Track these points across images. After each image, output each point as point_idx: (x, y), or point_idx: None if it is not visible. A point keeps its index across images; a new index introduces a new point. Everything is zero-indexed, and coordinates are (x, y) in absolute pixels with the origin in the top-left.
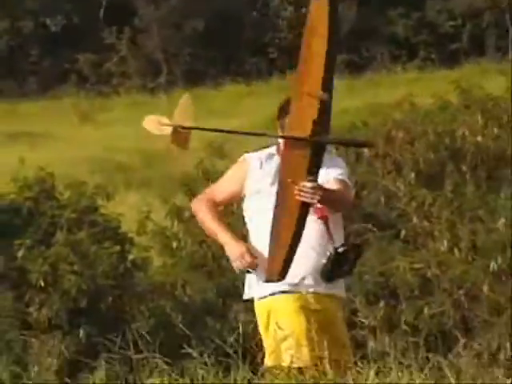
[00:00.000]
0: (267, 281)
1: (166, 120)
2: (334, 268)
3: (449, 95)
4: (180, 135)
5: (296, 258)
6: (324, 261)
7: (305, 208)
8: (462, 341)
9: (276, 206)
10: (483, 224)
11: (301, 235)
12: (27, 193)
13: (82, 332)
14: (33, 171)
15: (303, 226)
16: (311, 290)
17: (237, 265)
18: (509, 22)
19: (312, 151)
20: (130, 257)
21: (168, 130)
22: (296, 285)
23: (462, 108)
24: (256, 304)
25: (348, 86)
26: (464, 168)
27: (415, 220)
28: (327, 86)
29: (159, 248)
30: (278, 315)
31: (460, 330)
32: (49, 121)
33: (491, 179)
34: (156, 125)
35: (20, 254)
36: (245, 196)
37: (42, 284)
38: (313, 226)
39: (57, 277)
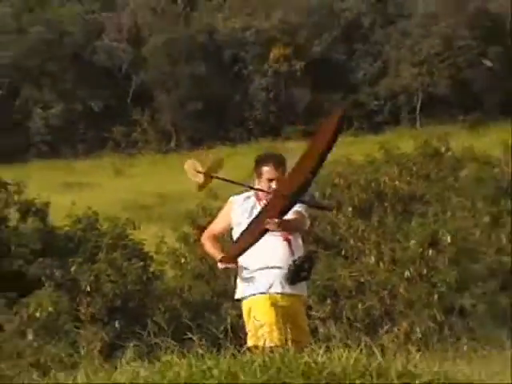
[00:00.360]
0: (222, 258)
1: (201, 168)
2: (293, 275)
3: (375, 153)
4: (205, 181)
5: (268, 269)
6: (286, 270)
7: (266, 230)
8: (386, 327)
9: (252, 221)
10: (400, 244)
11: (253, 244)
12: (77, 225)
13: (117, 323)
14: (81, 210)
15: (259, 239)
16: (279, 291)
17: (220, 268)
18: (416, 102)
19: (288, 202)
20: (151, 269)
21: (200, 177)
22: (269, 288)
23: (384, 162)
24: (242, 302)
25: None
26: (386, 204)
27: (352, 242)
28: (315, 170)
29: (171, 263)
30: (256, 310)
31: (384, 318)
32: (93, 174)
33: (405, 212)
34: (193, 170)
35: (73, 268)
36: (232, 226)
37: (89, 289)
38: (280, 245)
39: (99, 284)
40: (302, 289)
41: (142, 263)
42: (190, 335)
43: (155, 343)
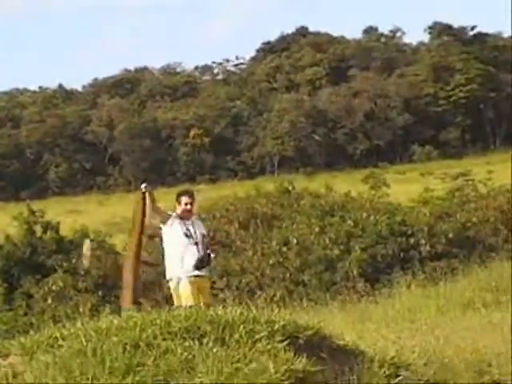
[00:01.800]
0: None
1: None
2: (198, 263)
3: (251, 191)
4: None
5: (190, 260)
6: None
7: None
8: (259, 293)
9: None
10: (266, 244)
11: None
12: (76, 235)
13: (100, 293)
14: (78, 226)
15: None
16: (194, 274)
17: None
18: (275, 162)
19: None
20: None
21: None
22: (188, 272)
23: (256, 197)
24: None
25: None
26: (258, 221)
27: (238, 243)
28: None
29: None
30: (180, 286)
31: (257, 289)
32: (85, 204)
33: (269, 225)
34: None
35: (73, 261)
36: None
37: (83, 273)
38: (194, 249)
39: (89, 269)
40: (206, 272)
41: (113, 256)
42: (142, 301)
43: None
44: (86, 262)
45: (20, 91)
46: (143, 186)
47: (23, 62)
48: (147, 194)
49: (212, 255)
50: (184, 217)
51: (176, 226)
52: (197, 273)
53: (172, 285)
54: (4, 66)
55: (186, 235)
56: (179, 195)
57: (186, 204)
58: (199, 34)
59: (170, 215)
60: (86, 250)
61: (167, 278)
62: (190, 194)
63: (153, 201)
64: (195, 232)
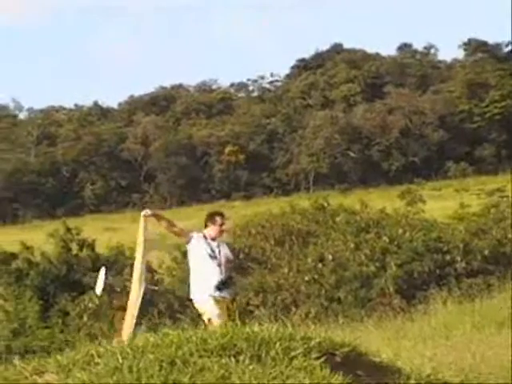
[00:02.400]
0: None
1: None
2: (219, 285)
3: (286, 208)
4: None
5: (213, 282)
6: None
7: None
8: (294, 310)
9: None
10: (302, 261)
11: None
12: (112, 252)
13: None
14: (114, 243)
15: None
16: (217, 294)
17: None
18: (309, 178)
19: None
20: (156, 277)
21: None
22: (213, 293)
23: (291, 213)
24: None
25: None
26: (293, 237)
27: (273, 260)
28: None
29: (167, 274)
30: (207, 307)
31: (293, 305)
32: (120, 222)
33: (304, 242)
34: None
35: (110, 278)
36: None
37: (118, 290)
38: (217, 271)
39: (126, 287)
40: (228, 294)
41: (150, 274)
42: (180, 317)
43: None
44: (98, 290)
45: (56, 109)
46: (143, 212)
47: (59, 80)
48: (157, 219)
49: (233, 278)
50: (213, 237)
51: (201, 247)
52: (218, 294)
53: (197, 305)
54: (40, 83)
55: (211, 256)
56: (214, 215)
57: (221, 225)
58: (235, 51)
59: (191, 236)
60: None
61: (192, 297)
62: (223, 216)
63: (169, 222)
64: (219, 253)
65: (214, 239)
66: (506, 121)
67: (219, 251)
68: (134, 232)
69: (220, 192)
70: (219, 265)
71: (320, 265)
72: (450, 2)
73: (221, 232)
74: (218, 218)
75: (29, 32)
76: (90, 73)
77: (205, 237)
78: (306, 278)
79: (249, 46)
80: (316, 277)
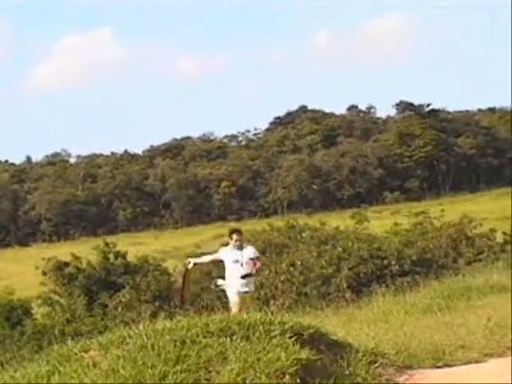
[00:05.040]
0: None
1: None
2: (241, 278)
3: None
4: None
5: (236, 279)
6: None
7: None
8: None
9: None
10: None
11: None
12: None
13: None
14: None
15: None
16: (238, 290)
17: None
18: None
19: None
20: None
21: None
22: (235, 289)
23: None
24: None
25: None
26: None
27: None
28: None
29: None
30: (230, 298)
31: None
32: (144, 238)
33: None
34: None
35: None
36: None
37: (144, 288)
38: (239, 270)
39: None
40: (251, 288)
41: (167, 276)
42: (189, 308)
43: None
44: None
45: (97, 155)
46: (188, 262)
47: (99, 133)
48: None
49: (253, 273)
50: (235, 247)
51: (228, 255)
52: (239, 289)
53: (228, 297)
54: (84, 136)
55: (233, 261)
56: (231, 233)
57: (236, 240)
58: (227, 108)
59: (219, 253)
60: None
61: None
62: (239, 232)
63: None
64: (242, 257)
65: (237, 248)
66: (428, 161)
67: (242, 255)
68: (155, 245)
69: (218, 215)
70: (241, 265)
71: (292, 268)
72: (388, 73)
73: (236, 244)
74: (234, 235)
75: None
76: (121, 125)
77: (233, 247)
78: (282, 278)
79: (239, 106)
80: (289, 277)
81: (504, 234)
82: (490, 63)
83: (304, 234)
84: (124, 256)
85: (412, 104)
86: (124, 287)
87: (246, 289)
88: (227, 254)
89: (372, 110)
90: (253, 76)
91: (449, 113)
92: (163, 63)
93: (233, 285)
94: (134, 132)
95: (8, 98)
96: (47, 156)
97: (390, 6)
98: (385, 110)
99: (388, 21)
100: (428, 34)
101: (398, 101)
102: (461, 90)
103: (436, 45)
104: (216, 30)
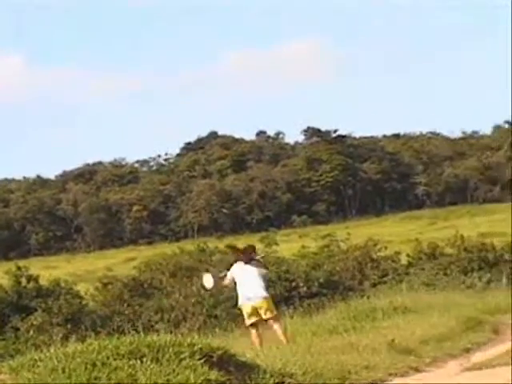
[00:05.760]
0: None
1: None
2: (248, 291)
3: None
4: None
5: (244, 291)
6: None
7: None
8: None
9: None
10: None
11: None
12: None
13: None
14: None
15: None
16: (246, 300)
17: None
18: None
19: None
20: None
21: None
22: (243, 300)
23: None
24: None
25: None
26: None
27: None
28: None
29: None
30: (242, 309)
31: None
32: (58, 261)
33: None
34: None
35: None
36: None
37: None
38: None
39: None
40: (256, 297)
41: (78, 300)
42: (101, 330)
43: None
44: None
45: (9, 180)
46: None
47: (11, 158)
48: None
49: (262, 284)
50: (246, 262)
51: (238, 270)
52: (246, 300)
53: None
54: None
55: (244, 274)
56: (245, 249)
57: (247, 254)
58: (138, 133)
59: (231, 270)
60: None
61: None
62: (247, 250)
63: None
64: (251, 271)
65: (246, 263)
66: (335, 186)
67: (251, 270)
68: (67, 269)
69: (129, 239)
70: (249, 278)
71: (202, 291)
72: (296, 98)
73: (246, 259)
74: (247, 251)
75: None
76: (33, 150)
77: (244, 262)
78: (192, 301)
79: (150, 132)
80: (199, 299)
81: (408, 256)
82: (394, 91)
83: (214, 258)
84: (36, 279)
85: (319, 130)
86: (36, 310)
87: (254, 298)
88: (237, 270)
89: (280, 136)
90: (162, 102)
91: (355, 139)
92: (73, 89)
93: (241, 297)
94: (46, 157)
95: None
96: None
97: (300, 30)
98: (293, 135)
99: (299, 43)
100: (336, 58)
101: (305, 127)
102: (367, 116)
103: (345, 70)
104: (122, 53)
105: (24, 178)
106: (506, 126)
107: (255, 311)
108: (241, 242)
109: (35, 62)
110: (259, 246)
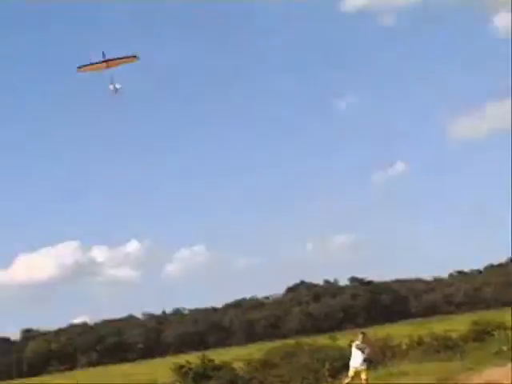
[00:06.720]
0: None
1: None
2: (362, 362)
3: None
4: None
5: (357, 361)
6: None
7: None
8: None
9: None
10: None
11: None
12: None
13: None
14: None
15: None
16: (355, 367)
17: None
18: None
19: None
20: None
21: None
22: (355, 367)
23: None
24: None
25: None
26: None
27: None
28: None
29: None
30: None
31: None
32: None
33: None
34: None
35: None
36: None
37: None
38: (361, 357)
39: None
40: (358, 366)
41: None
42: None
43: None
44: (360, 363)
45: None
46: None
47: None
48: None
49: (362, 358)
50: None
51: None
52: (354, 368)
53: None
54: None
55: (358, 351)
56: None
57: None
58: None
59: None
60: (356, 355)
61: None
62: (363, 333)
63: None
64: (362, 349)
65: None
66: None
67: (363, 349)
68: None
69: None
70: (362, 353)
71: None
72: None
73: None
74: (360, 336)
75: None
76: None
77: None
78: None
79: None
80: None
81: None
82: None
83: None
84: None
85: None
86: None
87: (359, 366)
88: (357, 349)
89: None
90: None
91: None
92: None
93: (356, 363)
94: None
95: None
96: None
97: None
98: None
99: None
100: None
101: None
102: None
103: None
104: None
105: None
106: None
107: (355, 374)
108: None
109: None
110: None
